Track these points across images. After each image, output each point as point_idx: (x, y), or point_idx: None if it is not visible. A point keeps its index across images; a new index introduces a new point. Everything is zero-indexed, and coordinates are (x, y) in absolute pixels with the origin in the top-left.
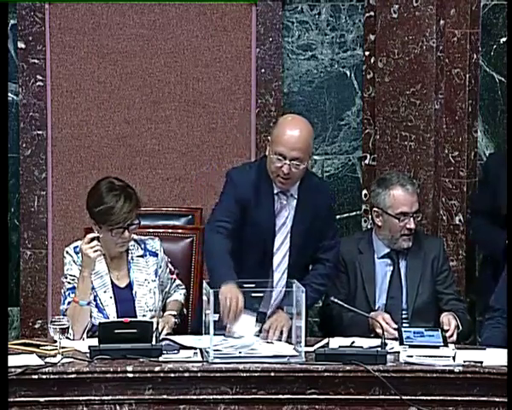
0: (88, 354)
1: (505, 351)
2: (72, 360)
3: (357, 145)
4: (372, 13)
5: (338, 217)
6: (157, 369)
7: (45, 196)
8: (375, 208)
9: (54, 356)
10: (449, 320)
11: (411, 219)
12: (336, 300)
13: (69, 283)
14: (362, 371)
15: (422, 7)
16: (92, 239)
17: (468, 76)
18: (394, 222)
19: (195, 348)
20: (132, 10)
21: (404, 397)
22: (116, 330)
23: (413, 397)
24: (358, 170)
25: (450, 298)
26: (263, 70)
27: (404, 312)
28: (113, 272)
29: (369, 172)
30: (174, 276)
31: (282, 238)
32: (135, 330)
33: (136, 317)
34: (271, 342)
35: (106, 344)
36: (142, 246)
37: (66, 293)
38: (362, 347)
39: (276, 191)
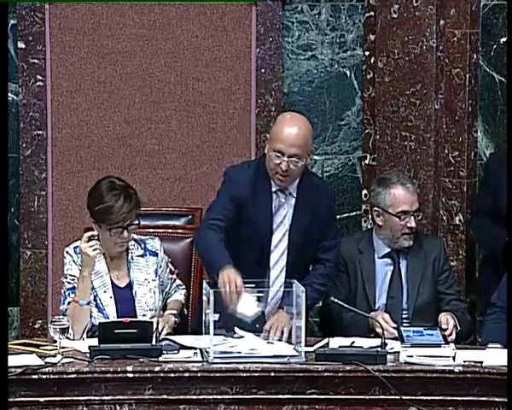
0: (88, 354)
1: (505, 351)
2: (72, 360)
3: (357, 145)
4: (372, 13)
5: (338, 217)
6: (157, 369)
7: (45, 196)
8: (375, 208)
9: (54, 356)
10: (447, 320)
11: (412, 217)
12: (336, 300)
13: (69, 283)
14: (362, 371)
15: (422, 7)
16: (90, 238)
17: (468, 76)
18: (395, 221)
19: (195, 348)
20: (132, 10)
21: (404, 397)
22: (116, 330)
23: (413, 397)
24: (358, 170)
25: (452, 298)
26: (263, 70)
27: (404, 311)
28: (113, 271)
29: (369, 172)
30: (174, 276)
31: (279, 236)
32: (135, 330)
33: (136, 317)
34: (271, 342)
35: (106, 344)
36: (142, 246)
37: (66, 293)
38: (362, 347)
39: (274, 189)
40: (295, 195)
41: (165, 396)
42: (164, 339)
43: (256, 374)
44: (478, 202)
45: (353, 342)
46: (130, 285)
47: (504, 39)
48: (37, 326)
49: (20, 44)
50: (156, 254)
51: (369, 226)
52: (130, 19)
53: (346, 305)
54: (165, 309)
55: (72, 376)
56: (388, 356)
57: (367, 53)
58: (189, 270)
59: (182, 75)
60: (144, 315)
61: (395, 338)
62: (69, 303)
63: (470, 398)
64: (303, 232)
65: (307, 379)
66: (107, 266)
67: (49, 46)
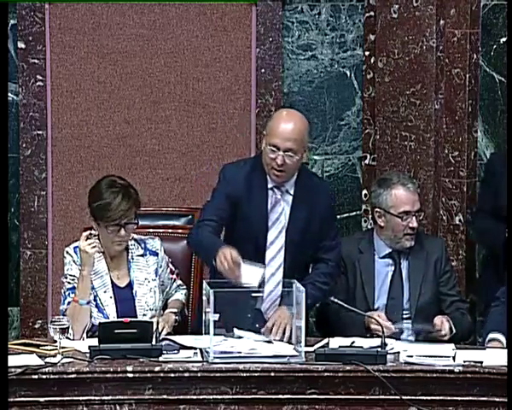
0: (88, 354)
1: (505, 351)
2: (72, 360)
3: (357, 145)
4: (372, 13)
5: (338, 217)
6: (157, 369)
7: (45, 196)
8: (376, 209)
9: (54, 356)
10: (442, 322)
11: (414, 217)
12: (336, 300)
13: (69, 283)
14: (362, 371)
15: (422, 7)
16: (89, 236)
17: (468, 76)
18: (397, 222)
19: (195, 348)
20: (132, 10)
21: (404, 397)
22: (116, 330)
23: (413, 397)
24: (358, 170)
25: (454, 299)
26: (263, 70)
27: (405, 311)
28: (113, 271)
29: (369, 172)
30: (174, 276)
31: (275, 233)
32: (135, 330)
33: (136, 316)
34: (271, 342)
35: (106, 344)
36: (143, 245)
37: (66, 293)
38: (362, 347)
39: (270, 186)
40: (292, 192)
41: (165, 396)
42: (164, 339)
43: (256, 374)
44: (479, 202)
45: (353, 342)
46: (130, 285)
47: (504, 39)
48: (37, 326)
49: (20, 44)
50: (156, 254)
51: (370, 226)
52: (130, 19)
53: (344, 304)
54: (165, 309)
55: (72, 376)
56: (388, 356)
57: (367, 53)
58: (189, 270)
59: (182, 75)
60: (144, 315)
61: (393, 336)
62: (69, 303)
63: (470, 398)
64: (301, 231)
65: (307, 379)
66: (108, 265)
67: (49, 46)
